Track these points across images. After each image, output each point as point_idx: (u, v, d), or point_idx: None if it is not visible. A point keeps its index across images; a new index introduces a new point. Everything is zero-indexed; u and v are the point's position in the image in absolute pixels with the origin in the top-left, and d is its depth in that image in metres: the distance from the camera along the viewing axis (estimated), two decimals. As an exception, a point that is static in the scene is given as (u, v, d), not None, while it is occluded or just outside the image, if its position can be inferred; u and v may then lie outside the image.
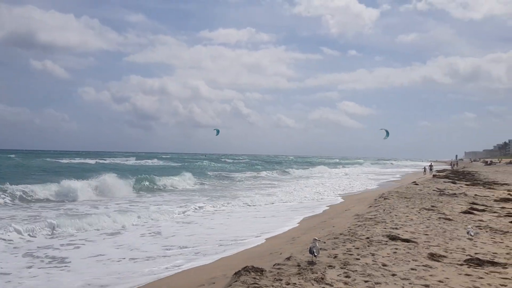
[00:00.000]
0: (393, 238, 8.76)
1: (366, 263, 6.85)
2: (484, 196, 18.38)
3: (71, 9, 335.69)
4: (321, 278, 6.03)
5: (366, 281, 5.95)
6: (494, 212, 13.10)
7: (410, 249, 7.93)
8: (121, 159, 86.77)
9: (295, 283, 5.84)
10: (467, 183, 27.48)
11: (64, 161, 66.11)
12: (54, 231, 12.02)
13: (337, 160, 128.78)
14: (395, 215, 12.16)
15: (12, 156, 79.29)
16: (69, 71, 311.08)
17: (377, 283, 5.88)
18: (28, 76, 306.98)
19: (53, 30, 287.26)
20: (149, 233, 12.44)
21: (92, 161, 67.78)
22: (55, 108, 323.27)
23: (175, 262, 9.12)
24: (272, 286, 5.76)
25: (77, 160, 69.54)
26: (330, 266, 6.65)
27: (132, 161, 79.92)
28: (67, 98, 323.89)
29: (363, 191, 28.16)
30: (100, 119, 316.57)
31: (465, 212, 12.84)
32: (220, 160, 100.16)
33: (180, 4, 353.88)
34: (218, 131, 53.06)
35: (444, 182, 27.91)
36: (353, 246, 8.10)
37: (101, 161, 69.57)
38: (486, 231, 9.90)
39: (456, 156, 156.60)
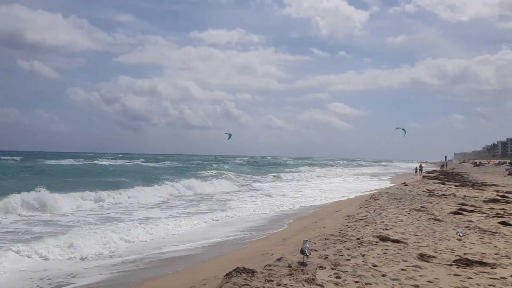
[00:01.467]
0: (383, 238, 8.81)
1: (357, 264, 6.88)
2: (473, 197, 18.56)
3: (59, 9, 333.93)
4: (312, 279, 6.05)
5: (356, 282, 5.98)
6: (483, 213, 13.22)
7: (400, 249, 7.98)
8: (129, 160, 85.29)
9: (286, 284, 5.85)
10: (456, 184, 27.72)
11: (85, 162, 65.23)
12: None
13: (342, 162, 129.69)
14: (385, 216, 12.23)
15: (17, 158, 77.20)
16: (57, 72, 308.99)
17: (367, 284, 5.91)
18: (16, 76, 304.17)
19: (41, 30, 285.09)
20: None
21: (106, 163, 66.97)
22: (44, 109, 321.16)
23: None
24: (263, 287, 5.76)
25: (88, 162, 68.29)
26: (321, 267, 6.67)
27: (139, 162, 79.27)
28: (56, 99, 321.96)
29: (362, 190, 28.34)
30: (90, 120, 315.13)
31: (454, 213, 12.95)
32: (228, 162, 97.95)
33: (169, 5, 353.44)
34: (230, 135, 52.51)
35: (434, 183, 28.13)
36: (344, 247, 8.13)
37: (114, 163, 68.58)
38: (475, 232, 9.99)
39: (446, 157, 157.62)
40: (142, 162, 79.10)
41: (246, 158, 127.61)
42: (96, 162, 68.99)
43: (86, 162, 65.80)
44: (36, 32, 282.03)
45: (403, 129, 43.11)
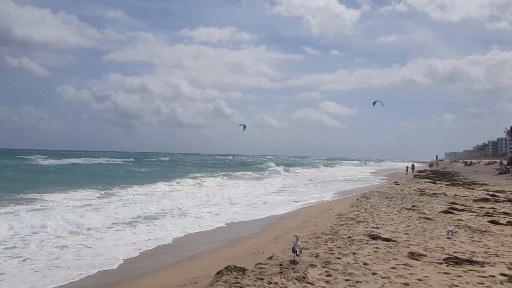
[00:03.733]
0: (374, 237, 8.84)
1: (347, 262, 6.90)
2: (464, 196, 18.71)
3: (47, 4, 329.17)
4: (303, 277, 6.06)
5: (347, 280, 5.99)
6: (473, 212, 13.33)
7: (391, 248, 8.02)
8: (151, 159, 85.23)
9: (277, 282, 5.85)
10: (447, 183, 27.93)
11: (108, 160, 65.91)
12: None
13: (335, 161, 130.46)
14: (377, 214, 12.28)
15: (45, 157, 76.38)
16: (47, 69, 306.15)
17: (358, 282, 5.93)
18: (5, 73, 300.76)
19: (29, 26, 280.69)
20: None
21: (120, 160, 66.87)
22: (34, 107, 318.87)
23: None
24: (254, 285, 5.76)
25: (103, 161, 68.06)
26: (312, 265, 6.67)
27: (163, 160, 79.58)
28: (46, 97, 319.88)
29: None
30: (81, 118, 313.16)
31: (444, 212, 13.04)
32: (245, 161, 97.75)
33: (159, 2, 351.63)
34: (244, 126, 52.29)
35: (425, 182, 28.32)
36: (335, 245, 8.15)
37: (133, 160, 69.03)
38: (465, 231, 10.06)
39: (437, 156, 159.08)
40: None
41: (250, 157, 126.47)
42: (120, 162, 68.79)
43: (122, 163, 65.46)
44: (24, 28, 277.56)
45: (380, 101, 43.31)
